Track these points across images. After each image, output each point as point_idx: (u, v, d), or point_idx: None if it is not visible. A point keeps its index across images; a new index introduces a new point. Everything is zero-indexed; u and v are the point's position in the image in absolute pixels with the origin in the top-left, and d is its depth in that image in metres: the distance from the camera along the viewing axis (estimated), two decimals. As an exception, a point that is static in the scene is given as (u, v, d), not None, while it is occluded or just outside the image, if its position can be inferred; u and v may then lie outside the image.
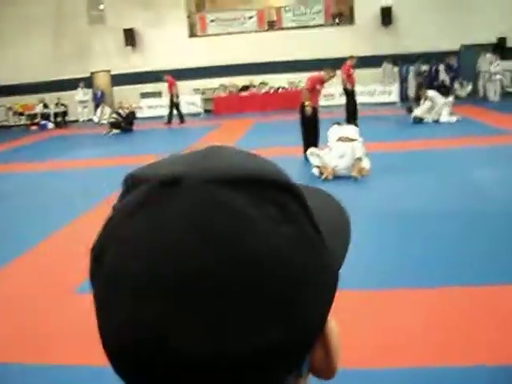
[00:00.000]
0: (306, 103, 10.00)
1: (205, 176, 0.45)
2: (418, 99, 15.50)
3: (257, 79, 21.17)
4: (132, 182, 0.48)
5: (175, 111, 18.63)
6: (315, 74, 10.78)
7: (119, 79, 21.94)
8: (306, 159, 9.32)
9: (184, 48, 21.41)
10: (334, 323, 0.52)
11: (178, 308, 0.42)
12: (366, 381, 3.42)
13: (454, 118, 14.67)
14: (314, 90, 10.26)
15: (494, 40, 20.44)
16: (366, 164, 8.85)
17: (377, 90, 20.33)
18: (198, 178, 0.44)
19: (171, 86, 18.52)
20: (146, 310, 0.42)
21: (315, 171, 8.88)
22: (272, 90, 21.01)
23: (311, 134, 10.05)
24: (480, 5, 20.19)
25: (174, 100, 18.58)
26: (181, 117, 18.52)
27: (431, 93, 15.18)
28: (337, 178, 8.68)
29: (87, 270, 0.48)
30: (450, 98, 15.24)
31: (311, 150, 9.01)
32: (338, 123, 9.57)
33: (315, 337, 0.48)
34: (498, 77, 19.74)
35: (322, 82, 10.43)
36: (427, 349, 3.66)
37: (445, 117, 14.70)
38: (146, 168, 0.49)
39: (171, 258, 0.42)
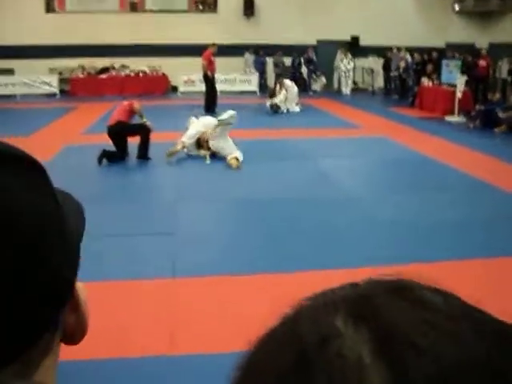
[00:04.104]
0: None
1: None
2: (275, 88, 16.05)
3: (117, 61, 20.64)
4: None
5: None
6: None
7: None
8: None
9: (40, 24, 20.27)
10: (82, 289, 0.57)
11: None
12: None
13: (298, 108, 15.67)
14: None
15: (348, 38, 21.58)
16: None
17: (237, 78, 20.66)
18: None
19: None
20: None
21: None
22: (132, 74, 20.60)
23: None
24: (337, 4, 21.23)
25: None
26: None
27: (287, 82, 15.85)
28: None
29: None
30: (296, 90, 16.02)
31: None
32: (195, 116, 9.78)
33: (63, 295, 0.52)
34: (351, 73, 20.90)
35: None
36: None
37: (293, 106, 15.56)
38: None
39: None
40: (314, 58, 20.86)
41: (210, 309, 4.20)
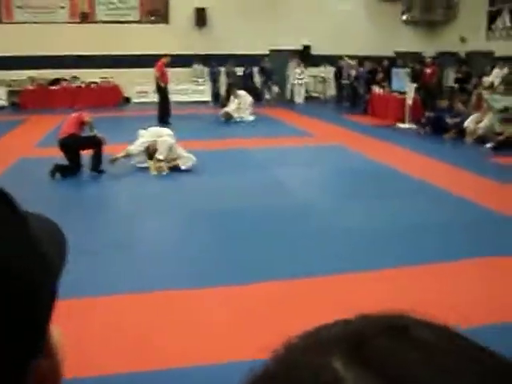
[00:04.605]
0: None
1: None
2: (228, 98, 16.15)
3: (68, 73, 20.31)
4: None
5: None
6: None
7: None
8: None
9: (-13, 35, 19.82)
10: (57, 332, 0.52)
11: None
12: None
13: (252, 117, 15.80)
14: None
15: (300, 48, 21.82)
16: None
17: (190, 88, 20.63)
18: None
19: None
20: None
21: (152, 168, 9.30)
22: (84, 85, 20.30)
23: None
24: (288, 14, 21.43)
25: None
26: None
27: (241, 92, 15.99)
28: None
29: None
30: (250, 99, 16.12)
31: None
32: (144, 128, 9.84)
33: (35, 342, 0.46)
34: (304, 81, 21.12)
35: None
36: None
37: (247, 116, 15.70)
38: None
39: None
40: (269, 66, 20.96)
41: (171, 323, 4.16)
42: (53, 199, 7.78)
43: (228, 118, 15.30)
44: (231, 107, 15.54)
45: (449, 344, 0.35)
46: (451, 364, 0.33)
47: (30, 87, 20.08)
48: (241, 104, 15.63)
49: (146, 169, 9.36)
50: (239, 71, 20.96)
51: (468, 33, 20.42)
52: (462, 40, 20.48)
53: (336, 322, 0.38)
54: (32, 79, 20.18)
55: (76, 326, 4.00)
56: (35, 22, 20.40)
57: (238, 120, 15.38)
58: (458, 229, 6.33)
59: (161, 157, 9.19)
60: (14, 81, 20.03)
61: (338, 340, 0.35)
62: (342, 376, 0.32)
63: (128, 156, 9.40)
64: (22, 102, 19.62)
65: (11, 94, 19.79)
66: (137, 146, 9.37)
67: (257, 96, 19.52)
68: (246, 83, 20.38)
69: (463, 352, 0.35)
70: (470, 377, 0.32)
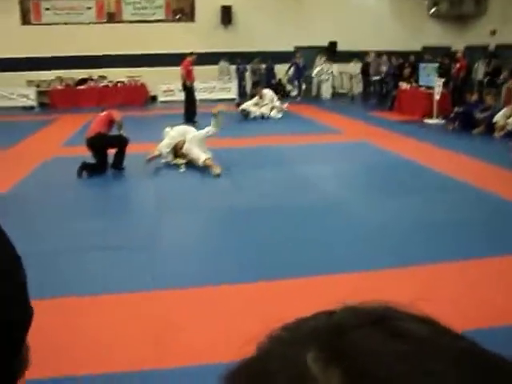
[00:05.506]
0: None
1: None
2: (253, 96, 16.15)
3: (95, 72, 20.53)
4: None
5: None
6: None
7: None
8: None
9: (16, 36, 20.13)
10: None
11: None
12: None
13: (279, 115, 15.75)
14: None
15: (325, 44, 21.70)
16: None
17: (216, 86, 20.65)
18: None
19: None
20: None
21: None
22: (111, 84, 20.49)
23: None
24: (313, 11, 21.34)
25: None
26: None
27: (265, 91, 16.00)
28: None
29: None
30: (276, 99, 16.09)
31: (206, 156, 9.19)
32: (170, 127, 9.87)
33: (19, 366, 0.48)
34: (330, 77, 20.99)
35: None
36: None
37: (274, 113, 15.69)
38: None
39: None
40: (302, 63, 20.83)
41: (192, 320, 4.15)
42: (78, 197, 7.85)
43: (245, 114, 15.31)
44: (248, 103, 15.61)
45: (435, 338, 0.33)
46: (431, 361, 0.31)
47: (59, 87, 20.36)
48: (265, 101, 15.63)
49: (169, 167, 9.39)
50: (263, 68, 20.96)
51: (498, 25, 20.07)
52: (493, 33, 20.13)
53: (318, 313, 0.37)
54: (60, 79, 20.45)
55: (96, 322, 4.03)
56: (63, 23, 20.67)
57: (257, 115, 15.35)
58: (487, 225, 6.22)
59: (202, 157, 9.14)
60: (42, 81, 20.32)
61: (316, 332, 0.34)
62: (309, 370, 0.32)
63: (160, 155, 9.44)
64: (51, 102, 19.89)
65: (40, 94, 20.07)
66: (165, 147, 9.38)
67: (282, 93, 19.49)
68: (268, 80, 20.36)
69: (448, 347, 0.33)
70: (449, 373, 0.30)
